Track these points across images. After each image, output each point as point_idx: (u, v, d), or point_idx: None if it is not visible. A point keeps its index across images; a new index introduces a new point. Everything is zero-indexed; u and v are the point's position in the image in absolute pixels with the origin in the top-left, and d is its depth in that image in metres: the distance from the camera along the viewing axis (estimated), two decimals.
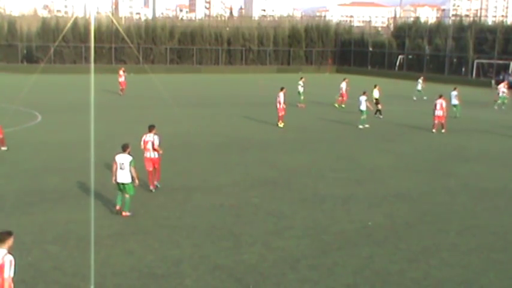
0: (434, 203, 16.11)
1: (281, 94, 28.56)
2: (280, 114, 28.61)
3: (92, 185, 15.67)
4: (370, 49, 72.99)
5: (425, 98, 41.31)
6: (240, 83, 57.04)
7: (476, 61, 60.74)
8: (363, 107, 28.72)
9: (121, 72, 42.47)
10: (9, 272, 7.88)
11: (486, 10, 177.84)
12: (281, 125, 28.51)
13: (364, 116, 28.78)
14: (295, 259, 11.71)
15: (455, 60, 64.77)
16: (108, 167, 19.05)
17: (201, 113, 33.49)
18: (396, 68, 68.91)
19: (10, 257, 7.91)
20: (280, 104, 28.41)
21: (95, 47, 62.85)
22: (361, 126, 28.55)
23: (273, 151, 22.68)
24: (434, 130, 28.13)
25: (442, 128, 28.24)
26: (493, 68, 59.11)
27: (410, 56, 68.70)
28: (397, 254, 12.17)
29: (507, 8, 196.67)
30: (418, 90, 43.05)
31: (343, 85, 37.44)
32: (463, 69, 62.99)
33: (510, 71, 57.12)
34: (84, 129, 23.78)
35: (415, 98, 42.76)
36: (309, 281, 10.76)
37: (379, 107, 32.81)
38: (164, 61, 67.91)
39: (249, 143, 24.39)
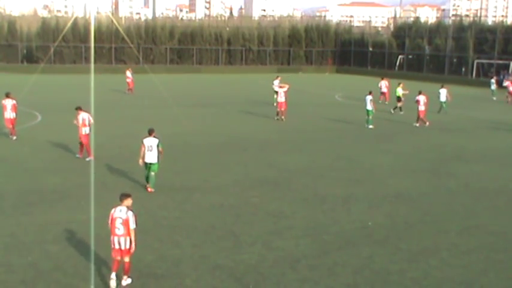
0: (434, 203, 16.10)
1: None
2: (282, 109, 30.59)
3: (92, 185, 15.66)
4: (370, 49, 72.93)
5: (494, 98, 44.37)
6: (240, 83, 57.01)
7: (476, 61, 60.72)
8: (369, 107, 28.72)
9: (128, 73, 43.15)
10: (133, 224, 9.84)
11: (486, 10, 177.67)
12: (283, 118, 30.48)
13: (370, 116, 28.79)
14: (295, 259, 11.71)
15: (455, 60, 64.67)
16: (108, 166, 19.08)
17: (201, 113, 33.48)
18: (396, 68, 68.84)
19: (131, 212, 9.85)
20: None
21: (95, 47, 62.78)
22: (371, 126, 28.58)
23: (273, 151, 22.68)
24: (417, 124, 29.74)
25: (425, 122, 29.66)
26: (493, 67, 59.04)
27: (410, 56, 68.60)
28: (397, 254, 12.17)
29: (507, 8, 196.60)
30: (492, 90, 45.60)
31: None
32: (463, 69, 62.95)
33: (510, 71, 57.10)
34: None
35: (494, 98, 44.85)
36: (309, 281, 10.77)
37: (399, 104, 34.43)
38: (164, 61, 67.88)
39: (248, 143, 24.38)
